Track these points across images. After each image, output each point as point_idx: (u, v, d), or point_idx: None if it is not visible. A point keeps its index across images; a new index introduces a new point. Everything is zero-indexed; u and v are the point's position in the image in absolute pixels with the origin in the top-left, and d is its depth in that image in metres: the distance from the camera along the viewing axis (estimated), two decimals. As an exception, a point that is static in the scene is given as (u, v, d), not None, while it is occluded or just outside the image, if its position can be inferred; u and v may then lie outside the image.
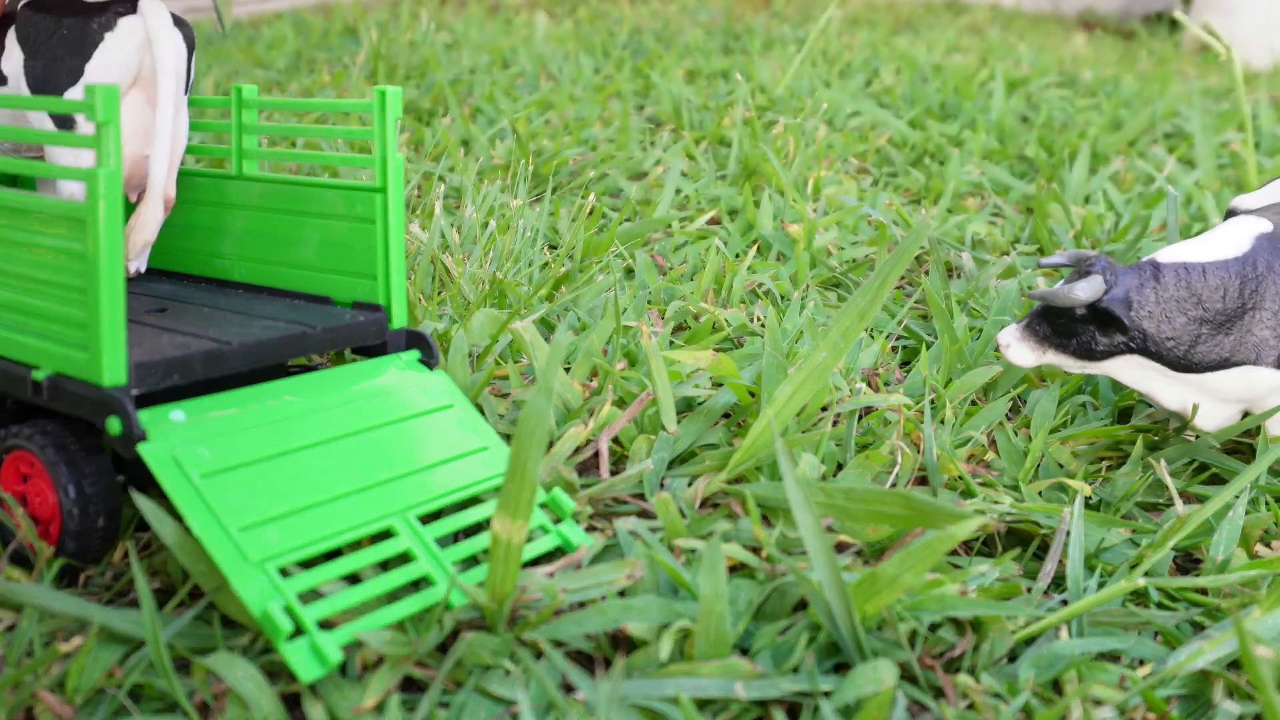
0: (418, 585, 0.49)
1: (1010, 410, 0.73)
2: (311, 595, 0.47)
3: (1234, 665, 0.47)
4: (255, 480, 0.47)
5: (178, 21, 0.59)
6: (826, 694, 0.43)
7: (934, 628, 0.48)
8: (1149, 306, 0.58)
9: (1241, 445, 0.67)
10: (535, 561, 0.53)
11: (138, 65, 0.57)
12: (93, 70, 0.57)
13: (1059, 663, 0.46)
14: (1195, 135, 1.39)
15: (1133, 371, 0.61)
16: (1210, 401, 0.61)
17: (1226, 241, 0.60)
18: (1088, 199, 1.26)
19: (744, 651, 0.47)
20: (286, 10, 2.72)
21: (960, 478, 0.61)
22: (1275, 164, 1.33)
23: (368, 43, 1.76)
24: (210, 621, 0.47)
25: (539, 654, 0.46)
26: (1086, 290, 0.57)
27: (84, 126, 0.57)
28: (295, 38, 2.19)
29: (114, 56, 0.56)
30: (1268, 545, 0.58)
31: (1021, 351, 0.61)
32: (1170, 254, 0.60)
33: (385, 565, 0.50)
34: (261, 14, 2.71)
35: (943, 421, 0.67)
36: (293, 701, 0.44)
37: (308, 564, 0.49)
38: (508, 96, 1.54)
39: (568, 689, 0.44)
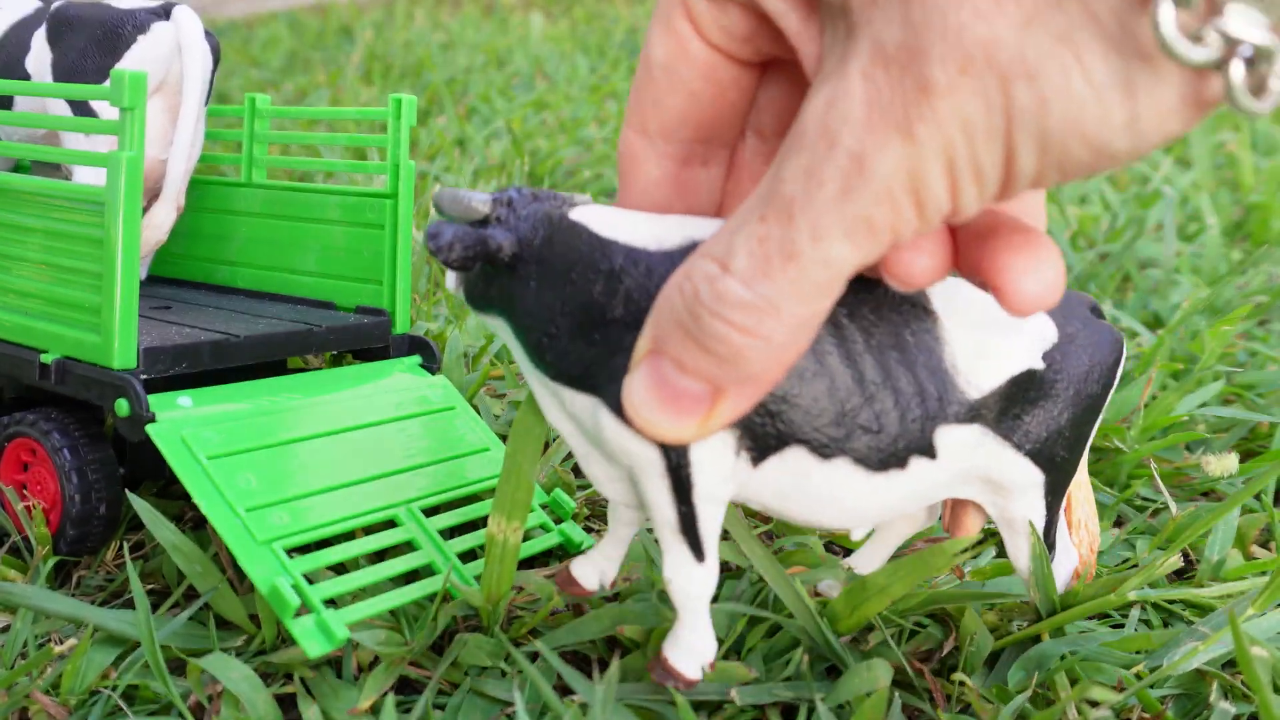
0: (419, 574, 0.49)
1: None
2: (316, 579, 0.47)
3: (1229, 665, 0.47)
4: (262, 464, 0.48)
5: (205, 33, 0.59)
6: (821, 697, 0.43)
7: (919, 626, 0.48)
8: (533, 261, 0.38)
9: (1242, 446, 0.68)
10: (534, 560, 0.53)
11: (165, 71, 0.58)
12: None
13: (1047, 663, 0.45)
14: (1191, 136, 1.39)
15: (509, 341, 0.41)
16: (583, 442, 0.40)
17: (668, 229, 0.38)
18: (1084, 199, 1.26)
19: (737, 653, 0.47)
20: (281, 10, 2.72)
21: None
22: (1271, 164, 1.34)
23: (363, 43, 1.76)
24: (205, 623, 0.47)
25: (535, 655, 0.46)
26: (484, 201, 0.39)
27: (107, 114, 0.58)
28: (290, 37, 2.19)
29: (144, 59, 0.57)
30: (1264, 546, 0.58)
31: (449, 254, 0.38)
32: (598, 211, 0.39)
33: (382, 555, 0.50)
34: (257, 14, 2.70)
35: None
36: (288, 702, 0.44)
37: (310, 549, 0.49)
38: (503, 96, 1.54)
39: (564, 690, 0.44)
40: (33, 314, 0.51)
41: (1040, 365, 0.40)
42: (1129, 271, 1.02)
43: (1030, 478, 0.41)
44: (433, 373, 0.59)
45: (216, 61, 0.60)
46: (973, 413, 0.39)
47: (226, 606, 0.46)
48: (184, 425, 0.48)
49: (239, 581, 0.49)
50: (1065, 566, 0.45)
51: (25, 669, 0.42)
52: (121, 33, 0.57)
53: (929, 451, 0.38)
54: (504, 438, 0.61)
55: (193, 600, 0.49)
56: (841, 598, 0.45)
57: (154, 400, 0.48)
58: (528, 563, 0.53)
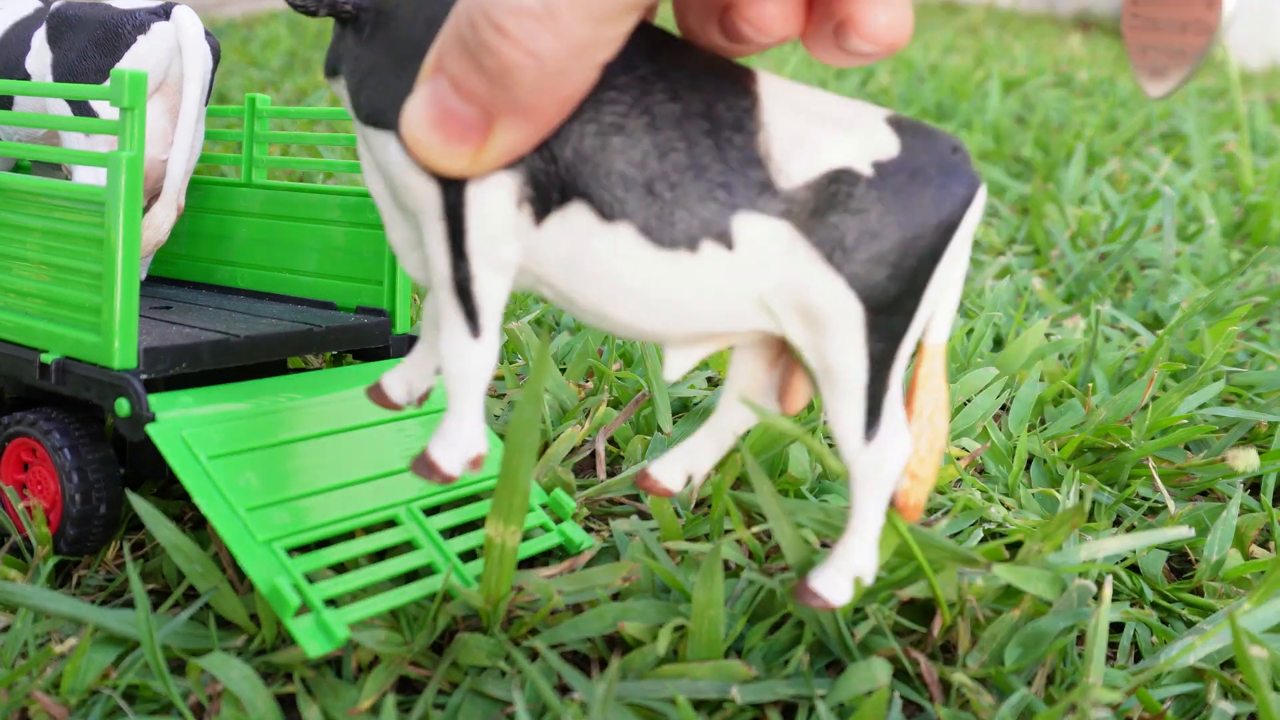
0: (420, 574, 0.49)
1: (1002, 408, 0.73)
2: (317, 578, 0.47)
3: (1229, 665, 0.47)
4: (262, 464, 0.48)
5: (205, 33, 0.59)
6: (821, 696, 0.43)
7: (912, 604, 0.48)
8: (373, 10, 0.37)
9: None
10: (534, 560, 0.53)
11: (164, 71, 0.58)
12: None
13: (1043, 641, 0.45)
14: (1191, 136, 1.39)
15: (345, 103, 0.39)
16: (388, 201, 0.38)
17: None
18: (1084, 199, 1.26)
19: (738, 652, 0.47)
20: (281, 10, 2.72)
21: (959, 480, 0.61)
22: (1271, 164, 1.34)
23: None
24: (205, 622, 0.47)
25: (535, 655, 0.46)
26: None
27: (107, 114, 0.58)
28: (289, 37, 2.19)
29: (144, 59, 0.57)
30: (1264, 546, 0.58)
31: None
32: None
33: (383, 555, 0.50)
34: (256, 13, 2.70)
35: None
36: (288, 702, 0.44)
37: (310, 549, 0.49)
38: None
39: (563, 690, 0.44)
40: (33, 314, 0.51)
41: (866, 171, 0.36)
42: (1129, 271, 1.02)
43: (847, 306, 0.36)
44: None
45: (216, 61, 0.60)
46: (781, 206, 0.36)
47: (226, 606, 0.46)
48: (184, 425, 0.48)
49: (239, 581, 0.49)
50: (894, 449, 0.39)
51: (25, 669, 0.42)
52: (121, 33, 0.57)
53: (725, 238, 0.36)
54: (503, 437, 0.61)
55: (193, 600, 0.49)
56: None
57: (154, 400, 0.48)
58: (528, 563, 0.53)
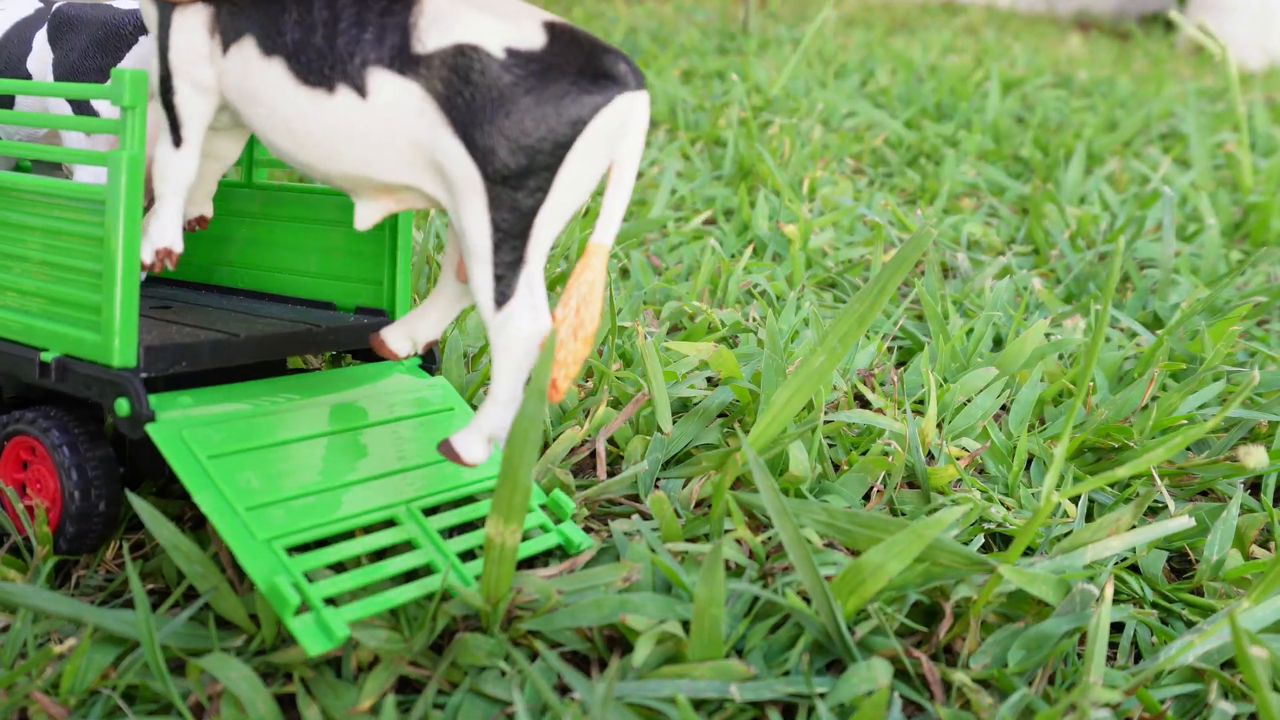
0: (419, 574, 0.49)
1: (1002, 408, 0.73)
2: (316, 577, 0.47)
3: (1229, 665, 0.47)
4: (262, 464, 0.48)
5: None
6: (821, 695, 0.43)
7: (916, 606, 0.48)
8: None
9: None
10: (533, 560, 0.53)
11: None
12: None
13: (1047, 644, 0.45)
14: (1190, 136, 1.39)
15: None
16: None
17: None
18: (1083, 199, 1.27)
19: (738, 651, 0.47)
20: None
21: (959, 480, 0.61)
22: (1270, 164, 1.34)
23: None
24: (205, 622, 0.47)
25: (534, 655, 0.46)
26: None
27: (108, 113, 0.58)
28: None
29: (146, 59, 0.57)
30: (1264, 546, 0.58)
31: None
32: None
33: (382, 555, 0.50)
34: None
35: (940, 426, 0.67)
36: (288, 702, 0.44)
37: (308, 548, 0.49)
38: (503, 97, 1.54)
39: (563, 690, 0.44)
40: (33, 312, 0.51)
41: (497, 53, 0.40)
42: (1128, 271, 1.02)
43: (468, 172, 0.41)
44: (432, 373, 0.59)
45: None
46: (414, 69, 0.41)
47: (226, 606, 0.46)
48: (184, 425, 0.48)
49: (239, 581, 0.49)
50: (523, 323, 0.42)
51: (25, 669, 0.42)
52: (122, 33, 0.57)
53: (359, 88, 0.41)
54: (504, 437, 0.61)
55: (193, 600, 0.49)
56: (838, 580, 0.45)
57: (154, 400, 0.48)
58: (527, 563, 0.53)
